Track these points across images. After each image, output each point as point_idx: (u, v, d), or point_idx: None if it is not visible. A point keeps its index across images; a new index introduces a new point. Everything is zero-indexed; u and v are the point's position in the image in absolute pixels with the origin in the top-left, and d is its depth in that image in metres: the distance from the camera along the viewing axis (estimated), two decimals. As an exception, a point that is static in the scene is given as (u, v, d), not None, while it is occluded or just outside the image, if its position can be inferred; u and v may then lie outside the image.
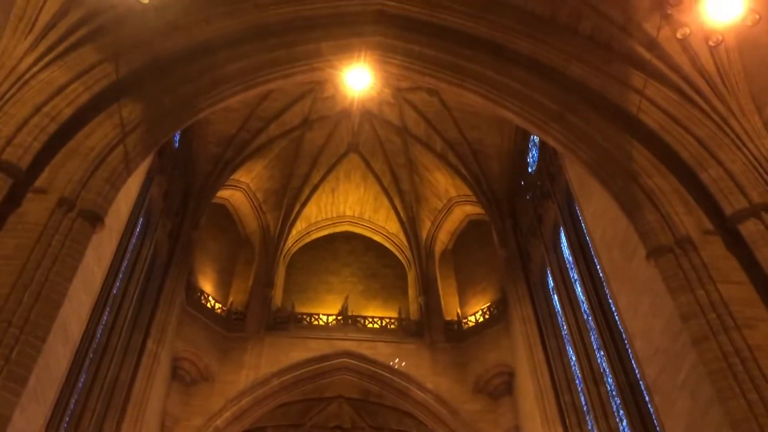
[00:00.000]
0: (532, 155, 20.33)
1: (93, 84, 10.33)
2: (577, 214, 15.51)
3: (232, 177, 22.37)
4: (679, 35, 7.24)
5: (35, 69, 9.78)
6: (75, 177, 9.67)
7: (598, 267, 13.74)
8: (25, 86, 9.71)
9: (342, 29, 13.12)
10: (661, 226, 10.28)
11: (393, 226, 25.95)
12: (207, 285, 21.39)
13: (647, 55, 11.31)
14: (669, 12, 7.12)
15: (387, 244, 26.52)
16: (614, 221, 12.08)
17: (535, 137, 19.68)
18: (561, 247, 17.82)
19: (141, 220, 15.88)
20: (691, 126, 10.75)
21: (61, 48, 10.13)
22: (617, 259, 12.35)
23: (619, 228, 11.88)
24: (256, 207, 23.94)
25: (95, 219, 9.73)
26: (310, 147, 23.60)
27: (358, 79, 16.44)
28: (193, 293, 20.19)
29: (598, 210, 13.12)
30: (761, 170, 9.82)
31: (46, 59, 9.98)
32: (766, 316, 8.94)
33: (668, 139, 10.95)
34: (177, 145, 19.49)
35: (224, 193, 23.01)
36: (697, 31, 7.05)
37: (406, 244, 25.11)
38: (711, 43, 7.04)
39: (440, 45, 13.05)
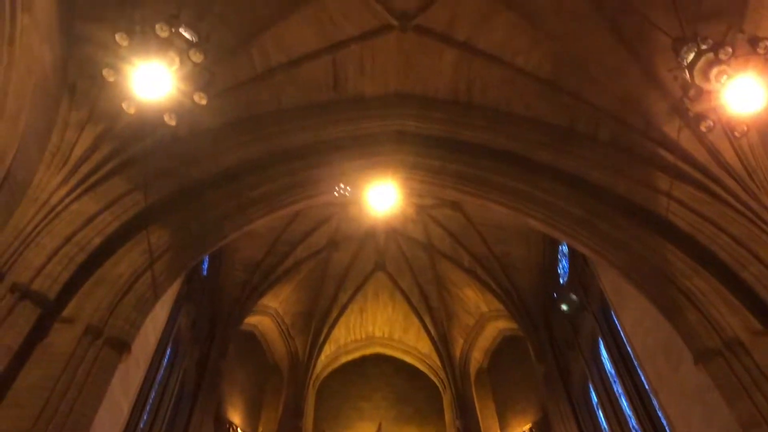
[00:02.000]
0: (563, 266, 20.00)
1: (122, 213, 10.55)
2: (615, 323, 14.99)
3: (259, 302, 22.24)
4: (703, 128, 7.22)
5: (67, 201, 10.04)
6: (102, 305, 9.65)
7: (643, 378, 13.07)
8: (57, 218, 9.92)
9: (364, 149, 13.44)
10: (705, 329, 9.83)
11: (424, 346, 25.30)
12: (236, 416, 20.70)
13: (670, 157, 11.32)
14: (689, 107, 7.13)
15: (419, 365, 25.75)
16: (655, 328, 11.60)
17: (564, 247, 19.47)
18: (601, 360, 17.08)
19: (169, 349, 15.65)
20: (724, 224, 10.54)
21: (92, 180, 10.44)
22: (663, 368, 11.74)
23: (661, 334, 11.39)
24: (284, 331, 23.62)
25: (122, 346, 9.59)
26: (336, 268, 23.57)
27: (381, 198, 16.63)
28: (222, 426, 19.52)
29: (636, 317, 12.66)
30: (805, 266, 9.47)
31: (78, 191, 10.26)
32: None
33: (702, 240, 10.71)
34: (205, 272, 19.57)
35: (252, 320, 22.80)
36: (720, 123, 7.05)
37: (439, 364, 24.37)
38: (737, 134, 7.00)
39: (461, 159, 13.26)
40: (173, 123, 8.72)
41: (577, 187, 12.38)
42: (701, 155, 10.98)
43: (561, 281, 20.09)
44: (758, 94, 6.70)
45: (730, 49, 6.65)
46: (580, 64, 12.12)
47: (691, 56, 7.04)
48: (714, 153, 10.75)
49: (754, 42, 6.61)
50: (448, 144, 13.53)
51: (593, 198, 12.19)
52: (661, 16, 10.74)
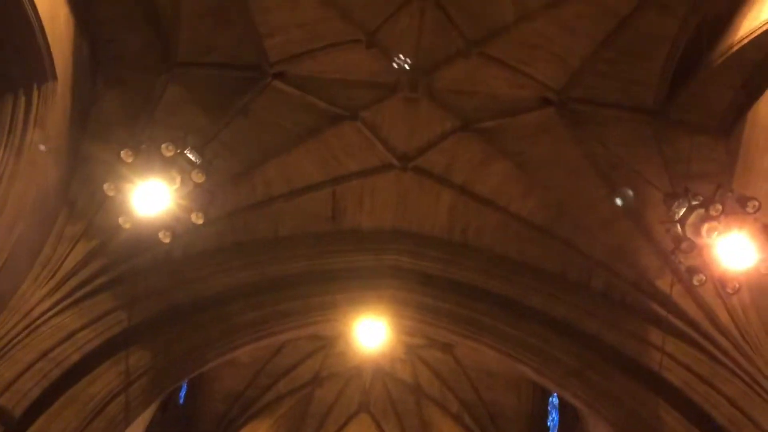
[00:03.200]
0: (552, 418, 19.31)
1: (104, 330, 10.31)
2: (607, 483, 14.21)
3: (235, 437, 21.20)
4: (695, 282, 7.24)
5: (49, 314, 9.85)
6: (69, 427, 9.16)
7: None
8: (35, 331, 9.69)
9: (358, 282, 13.37)
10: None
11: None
12: None
13: (662, 311, 11.25)
14: (681, 260, 7.19)
15: None
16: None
17: (555, 399, 18.90)
18: None
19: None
20: (718, 384, 10.30)
21: (77, 295, 10.29)
22: None
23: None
24: (258, 471, 22.27)
25: (83, 475, 9.01)
26: (319, 406, 22.63)
27: (371, 334, 16.38)
28: None
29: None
30: (803, 433, 9.12)
31: (62, 305, 10.09)
32: None
33: (696, 398, 10.42)
34: (182, 401, 18.83)
35: (226, 455, 21.60)
36: (712, 279, 7.08)
37: None
38: (729, 290, 7.00)
39: (454, 298, 13.15)
40: (167, 240, 8.74)
41: (568, 336, 12.20)
42: (693, 312, 10.92)
43: (551, 434, 19.32)
44: (749, 252, 6.78)
45: (720, 206, 6.81)
46: (573, 213, 12.39)
47: (683, 211, 7.20)
48: (706, 310, 10.69)
49: (742, 201, 6.79)
50: (442, 283, 13.49)
51: (585, 348, 11.97)
52: (653, 172, 11.19)
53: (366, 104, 12.42)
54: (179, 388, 18.30)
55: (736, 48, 9.95)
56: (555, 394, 18.54)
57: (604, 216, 12.00)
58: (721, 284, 7.09)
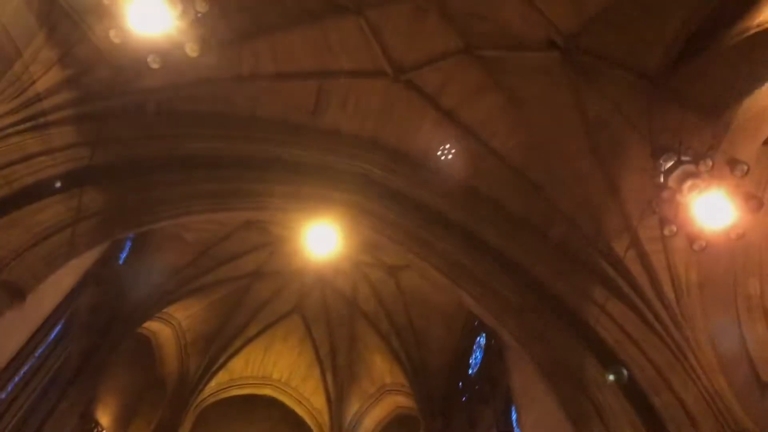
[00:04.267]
0: (476, 357, 19.95)
1: (63, 162, 10.00)
2: (514, 423, 14.88)
3: (165, 310, 21.28)
4: (666, 232, 7.38)
5: (9, 131, 9.45)
6: (10, 245, 8.97)
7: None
8: (-8, 146, 9.32)
9: (325, 181, 13.27)
10: (606, 445, 9.79)
11: (318, 401, 24.53)
12: (105, 417, 19.37)
13: (612, 272, 11.55)
14: (656, 207, 7.31)
15: (307, 419, 24.87)
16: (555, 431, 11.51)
17: (482, 339, 19.47)
18: (491, 458, 16.84)
19: (60, 325, 14.65)
20: (648, 349, 10.72)
21: (42, 120, 9.89)
22: (552, 476, 11.61)
23: (560, 439, 11.30)
24: (181, 347, 22.52)
25: (16, 294, 8.87)
26: (255, 299, 22.88)
27: (322, 240, 16.48)
28: (87, 422, 18.18)
29: (539, 418, 12.58)
30: (713, 406, 9.63)
31: (24, 126, 9.69)
32: None
33: (623, 357, 10.84)
34: (121, 261, 18.69)
35: (153, 325, 21.69)
36: (683, 231, 7.24)
37: (327, 423, 23.61)
38: (695, 247, 7.17)
39: (415, 219, 13.23)
40: (156, 66, 8.22)
41: (516, 276, 12.47)
42: (641, 278, 11.24)
43: (470, 371, 19.98)
44: (724, 214, 6.93)
45: (710, 162, 6.91)
46: (550, 161, 12.44)
47: (670, 163, 7.28)
48: (653, 280, 11.03)
49: (732, 164, 6.89)
50: (406, 202, 13.51)
51: (529, 290, 12.27)
52: (637, 138, 11.25)
53: (374, 1, 12.00)
54: (122, 248, 18.15)
55: (753, 32, 9.90)
56: (483, 334, 19.11)
57: (579, 169, 12.08)
58: (689, 239, 7.25)
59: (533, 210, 12.73)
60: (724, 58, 10.63)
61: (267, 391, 25.20)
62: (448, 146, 13.40)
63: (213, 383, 23.41)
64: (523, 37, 12.12)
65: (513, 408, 14.96)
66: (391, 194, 13.52)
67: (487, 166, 13.19)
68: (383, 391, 23.35)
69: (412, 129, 13.65)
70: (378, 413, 23.75)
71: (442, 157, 13.54)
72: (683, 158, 7.15)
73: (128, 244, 18.42)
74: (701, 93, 11.15)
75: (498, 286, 12.37)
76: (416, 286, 20.26)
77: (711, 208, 6.93)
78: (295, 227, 17.71)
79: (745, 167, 6.78)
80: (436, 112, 13.22)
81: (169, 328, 22.33)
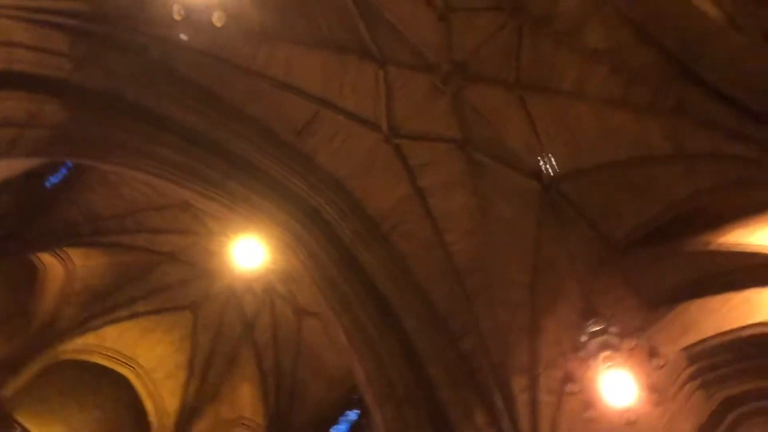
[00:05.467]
0: (340, 429, 19.58)
1: (42, 64, 9.61)
2: None
3: (67, 250, 20.32)
4: (567, 389, 7.43)
5: (3, 12, 9.05)
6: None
7: None
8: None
9: (277, 198, 13.13)
10: None
11: (171, 404, 23.11)
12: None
13: (500, 405, 11.67)
14: (568, 363, 7.39)
15: (152, 416, 23.37)
16: None
17: (353, 414, 19.21)
18: None
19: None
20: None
21: (37, 16, 9.40)
22: None
23: None
24: (65, 292, 21.39)
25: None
26: (158, 279, 22.06)
27: (250, 252, 16.26)
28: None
29: None
30: None
31: (19, 14, 9.25)
32: None
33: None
34: (48, 184, 17.93)
35: (47, 259, 20.62)
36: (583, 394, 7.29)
37: (171, 429, 22.50)
38: (585, 415, 7.25)
39: (345, 272, 13.19)
40: (179, 18, 8.03)
41: (413, 368, 12.41)
42: (523, 421, 11.26)
43: (328, 441, 19.51)
44: (626, 395, 7.08)
45: (634, 343, 7.10)
46: (491, 278, 12.72)
47: (597, 329, 7.46)
48: (534, 427, 11.11)
49: (652, 354, 7.10)
50: (344, 253, 13.46)
51: (419, 387, 12.23)
52: (579, 292, 11.52)
53: (399, 60, 12.22)
54: (55, 172, 17.48)
55: (712, 248, 10.50)
56: (357, 411, 18.87)
57: (512, 297, 12.39)
58: (584, 405, 7.34)
59: (455, 314, 12.80)
60: (680, 258, 11.15)
61: (126, 372, 23.90)
62: (404, 220, 13.49)
63: (79, 341, 22.18)
64: (516, 156, 12.55)
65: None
66: (334, 239, 13.44)
67: (432, 255, 13.29)
68: (238, 423, 22.51)
69: (382, 191, 13.73)
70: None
71: (395, 228, 13.60)
72: (611, 329, 7.33)
73: (63, 171, 17.74)
74: (648, 279, 11.60)
75: (392, 371, 12.24)
76: (315, 337, 19.91)
77: (616, 385, 7.09)
78: (229, 229, 17.42)
79: (662, 362, 7.01)
80: (409, 186, 13.38)
81: (62, 268, 21.18)
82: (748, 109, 8.54)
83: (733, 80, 8.75)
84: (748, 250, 10.56)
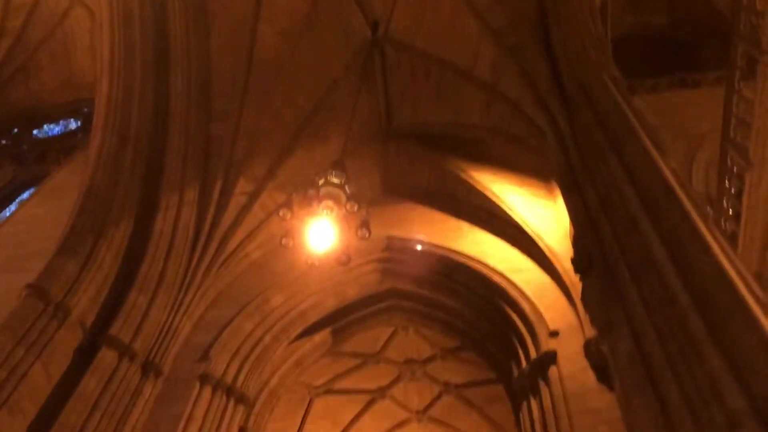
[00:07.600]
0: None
1: None
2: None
3: None
4: (282, 242, 7.69)
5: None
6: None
7: None
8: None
9: None
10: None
11: None
12: None
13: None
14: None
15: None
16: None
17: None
18: None
19: None
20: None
21: None
22: None
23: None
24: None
25: None
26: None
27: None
28: None
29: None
30: None
31: None
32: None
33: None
34: None
35: None
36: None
37: None
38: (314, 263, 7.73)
39: None
40: None
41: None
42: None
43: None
44: (325, 242, 7.62)
45: (356, 208, 7.56)
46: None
47: (335, 181, 7.79)
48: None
49: (364, 225, 7.68)
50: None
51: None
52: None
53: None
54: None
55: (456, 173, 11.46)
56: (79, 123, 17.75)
57: (286, 116, 12.30)
58: (285, 232, 7.73)
59: (224, 98, 12.23)
60: (433, 169, 12.09)
61: None
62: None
63: None
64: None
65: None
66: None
67: (238, 35, 12.27)
68: None
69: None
70: None
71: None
72: (346, 187, 7.73)
73: None
74: (399, 169, 12.45)
75: (135, 114, 11.65)
76: (77, 30, 17.91)
77: (320, 231, 7.60)
78: None
79: (367, 235, 7.64)
80: None
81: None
82: (564, 88, 9.05)
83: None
84: (485, 194, 11.83)
